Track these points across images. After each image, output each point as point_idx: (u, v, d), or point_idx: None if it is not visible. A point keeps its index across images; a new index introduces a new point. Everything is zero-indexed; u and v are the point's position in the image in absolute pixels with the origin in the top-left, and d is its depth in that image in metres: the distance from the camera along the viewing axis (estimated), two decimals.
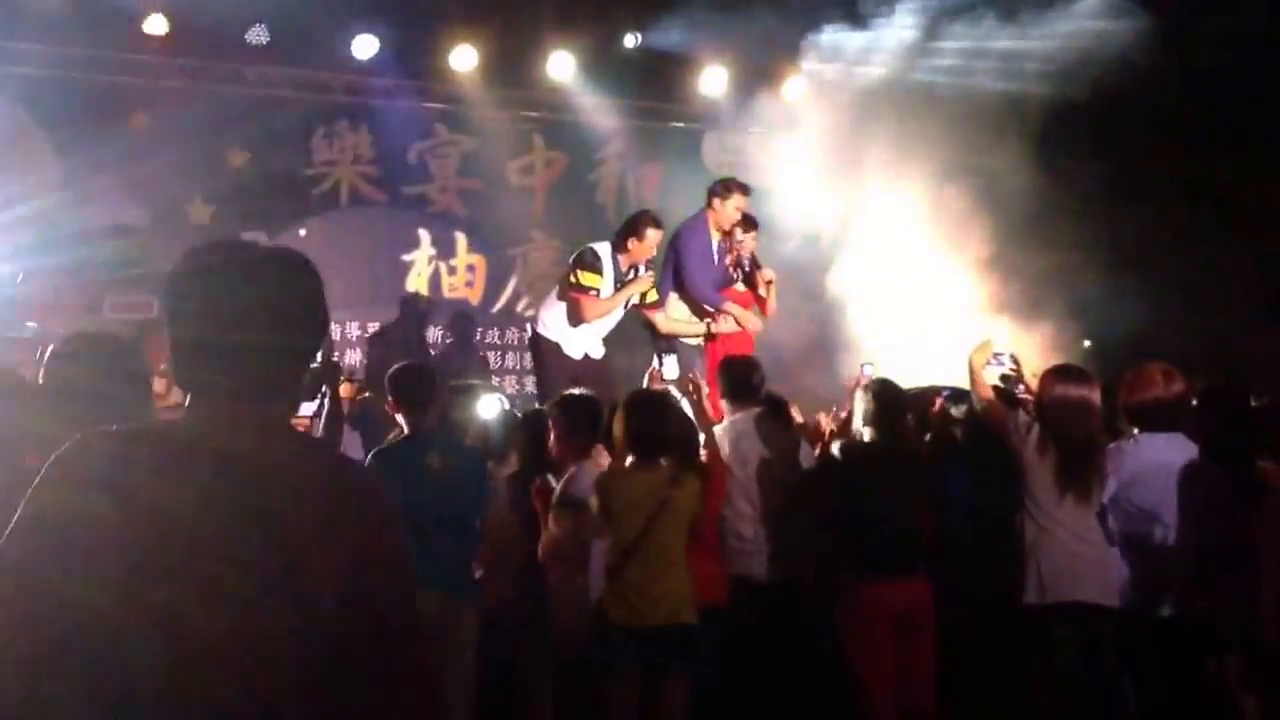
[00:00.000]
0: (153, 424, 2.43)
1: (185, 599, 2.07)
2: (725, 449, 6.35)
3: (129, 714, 2.02)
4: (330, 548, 2.14)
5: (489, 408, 6.50)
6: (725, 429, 6.50)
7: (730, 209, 8.47)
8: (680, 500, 5.44)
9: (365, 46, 11.41)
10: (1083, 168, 11.18)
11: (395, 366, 6.23)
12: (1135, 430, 5.92)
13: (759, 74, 12.49)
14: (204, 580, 2.08)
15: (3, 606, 2.11)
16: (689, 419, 6.10)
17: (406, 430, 5.94)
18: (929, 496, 6.17)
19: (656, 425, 5.54)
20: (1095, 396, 5.73)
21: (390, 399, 6.09)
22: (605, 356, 8.52)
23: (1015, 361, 6.36)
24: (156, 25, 10.71)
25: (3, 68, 10.52)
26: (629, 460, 5.52)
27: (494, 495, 6.06)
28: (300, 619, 2.09)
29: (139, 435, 2.29)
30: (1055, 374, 5.85)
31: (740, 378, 6.62)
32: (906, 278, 10.90)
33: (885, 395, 6.17)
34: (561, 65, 12.13)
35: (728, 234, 8.54)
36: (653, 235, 8.24)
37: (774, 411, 6.61)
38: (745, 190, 8.53)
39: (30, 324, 8.96)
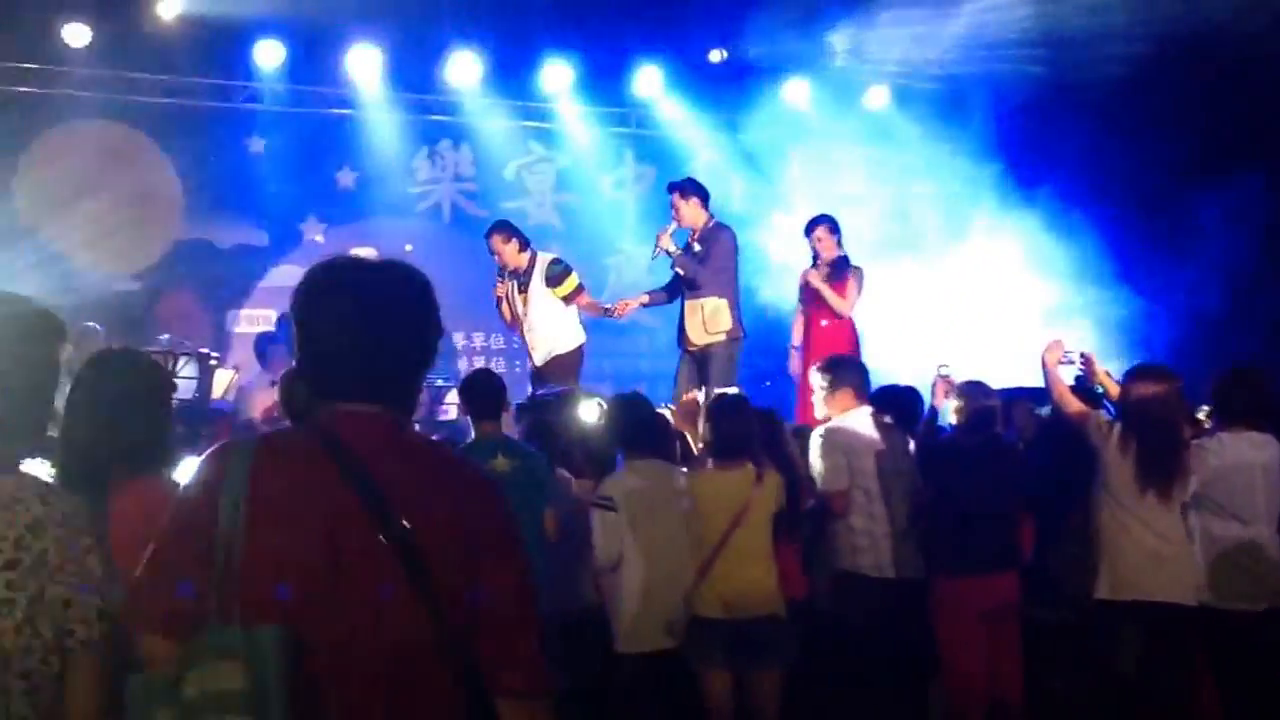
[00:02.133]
0: (287, 429, 2.55)
1: (320, 593, 2.21)
2: (840, 444, 6.30)
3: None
4: (454, 532, 2.30)
5: (590, 413, 6.63)
6: (837, 425, 6.41)
7: None
8: (763, 498, 5.56)
9: (465, 69, 11.91)
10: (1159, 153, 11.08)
11: (467, 374, 6.50)
12: (1219, 428, 5.86)
13: (842, 85, 12.77)
14: (338, 573, 2.22)
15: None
16: (769, 420, 6.18)
17: (473, 435, 6.07)
18: (1024, 495, 6.15)
19: (739, 427, 5.69)
20: (1176, 394, 5.65)
21: (461, 404, 6.32)
22: (566, 353, 8.95)
23: (1086, 361, 6.32)
24: (269, 54, 11.20)
25: (128, 97, 11.08)
26: (712, 461, 5.67)
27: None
28: (428, 599, 2.23)
29: (276, 439, 2.45)
30: (1137, 372, 5.78)
31: (860, 378, 6.59)
32: (982, 281, 11.15)
33: (978, 395, 6.21)
34: (650, 81, 12.54)
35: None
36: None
37: (884, 408, 6.58)
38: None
39: (164, 336, 9.52)
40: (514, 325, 9.26)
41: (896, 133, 12.61)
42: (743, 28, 11.78)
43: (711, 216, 9.04)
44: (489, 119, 12.44)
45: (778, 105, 12.85)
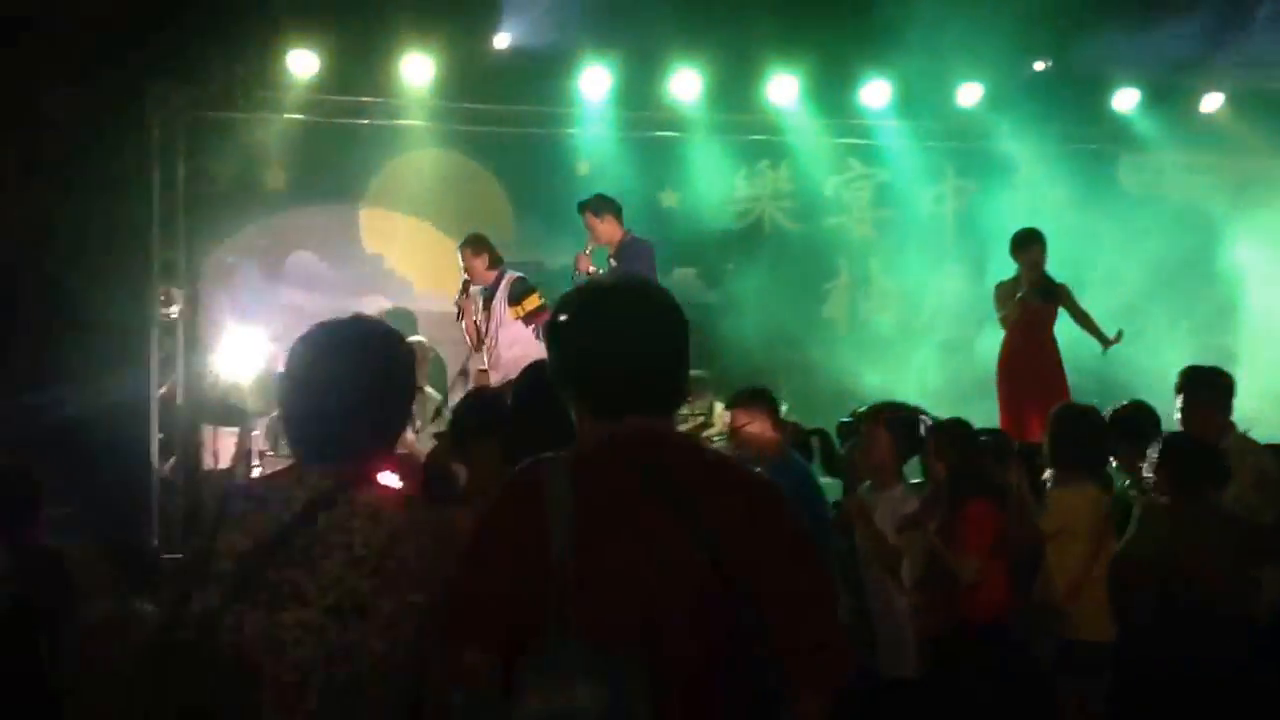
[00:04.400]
0: (587, 445, 2.53)
1: (649, 607, 2.30)
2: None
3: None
4: (746, 533, 2.37)
5: None
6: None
7: None
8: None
9: (784, 90, 12.03)
10: None
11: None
12: None
13: (1174, 92, 12.30)
14: (662, 587, 2.30)
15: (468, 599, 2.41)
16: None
17: None
18: None
19: (1096, 441, 5.64)
20: None
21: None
22: None
23: None
24: (596, 81, 11.58)
25: (463, 126, 11.71)
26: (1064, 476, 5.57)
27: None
28: (734, 604, 2.31)
29: (586, 455, 2.49)
30: None
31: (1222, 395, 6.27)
32: None
33: None
34: (971, 94, 12.34)
35: None
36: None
37: None
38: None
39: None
40: (478, 343, 9.32)
41: (1234, 139, 12.01)
42: (1067, 35, 11.48)
43: (628, 231, 9.06)
44: (807, 137, 12.50)
45: (1106, 114, 12.47)
